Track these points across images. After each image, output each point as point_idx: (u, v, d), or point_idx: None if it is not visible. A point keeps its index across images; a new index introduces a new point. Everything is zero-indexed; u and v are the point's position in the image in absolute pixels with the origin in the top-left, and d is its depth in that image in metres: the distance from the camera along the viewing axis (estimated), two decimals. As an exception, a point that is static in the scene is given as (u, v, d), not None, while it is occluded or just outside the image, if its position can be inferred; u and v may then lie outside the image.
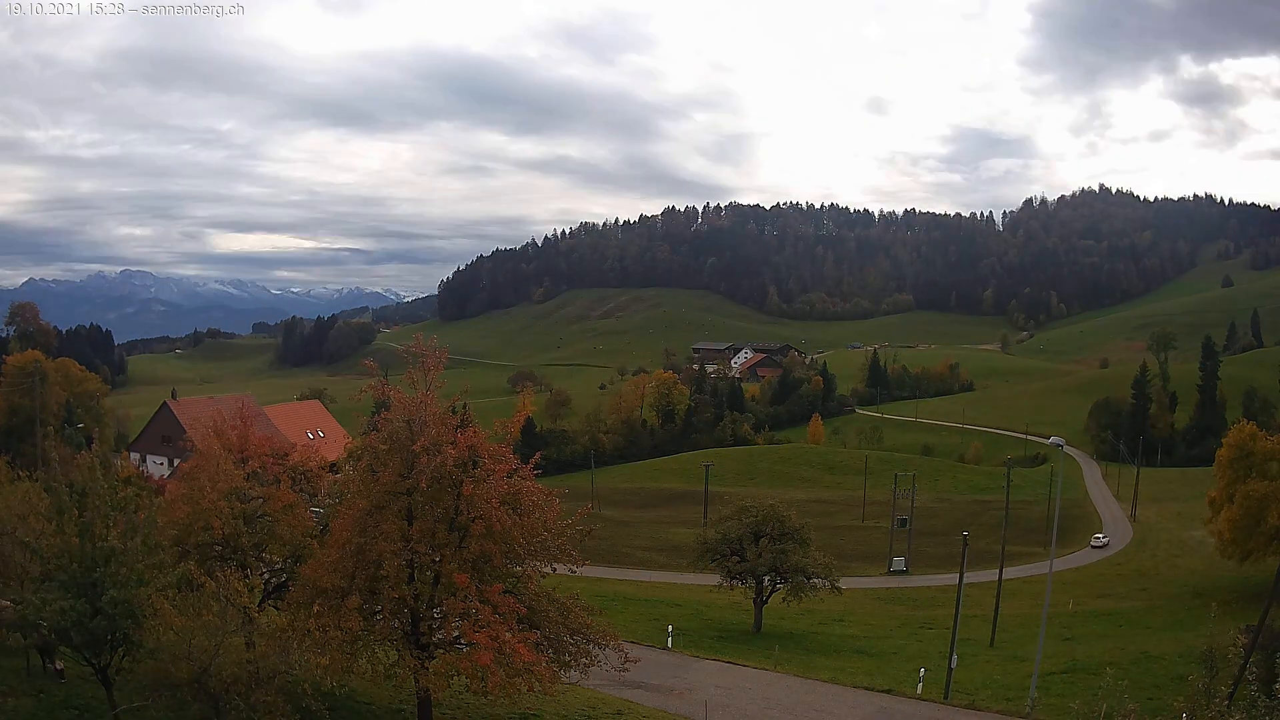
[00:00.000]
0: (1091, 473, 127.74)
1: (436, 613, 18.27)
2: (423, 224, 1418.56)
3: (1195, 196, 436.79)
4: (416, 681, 17.60)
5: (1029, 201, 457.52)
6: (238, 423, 23.91)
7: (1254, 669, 17.74)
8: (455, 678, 17.98)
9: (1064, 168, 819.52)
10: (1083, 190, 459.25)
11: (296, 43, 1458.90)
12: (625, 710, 24.63)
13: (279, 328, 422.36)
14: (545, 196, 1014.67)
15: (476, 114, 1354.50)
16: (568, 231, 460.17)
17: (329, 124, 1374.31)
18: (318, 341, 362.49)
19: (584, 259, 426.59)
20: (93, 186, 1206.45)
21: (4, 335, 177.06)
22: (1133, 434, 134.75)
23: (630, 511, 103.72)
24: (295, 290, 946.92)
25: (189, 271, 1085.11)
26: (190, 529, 20.40)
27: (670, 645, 35.95)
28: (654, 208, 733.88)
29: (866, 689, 29.70)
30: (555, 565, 19.61)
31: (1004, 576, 48.06)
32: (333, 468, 28.90)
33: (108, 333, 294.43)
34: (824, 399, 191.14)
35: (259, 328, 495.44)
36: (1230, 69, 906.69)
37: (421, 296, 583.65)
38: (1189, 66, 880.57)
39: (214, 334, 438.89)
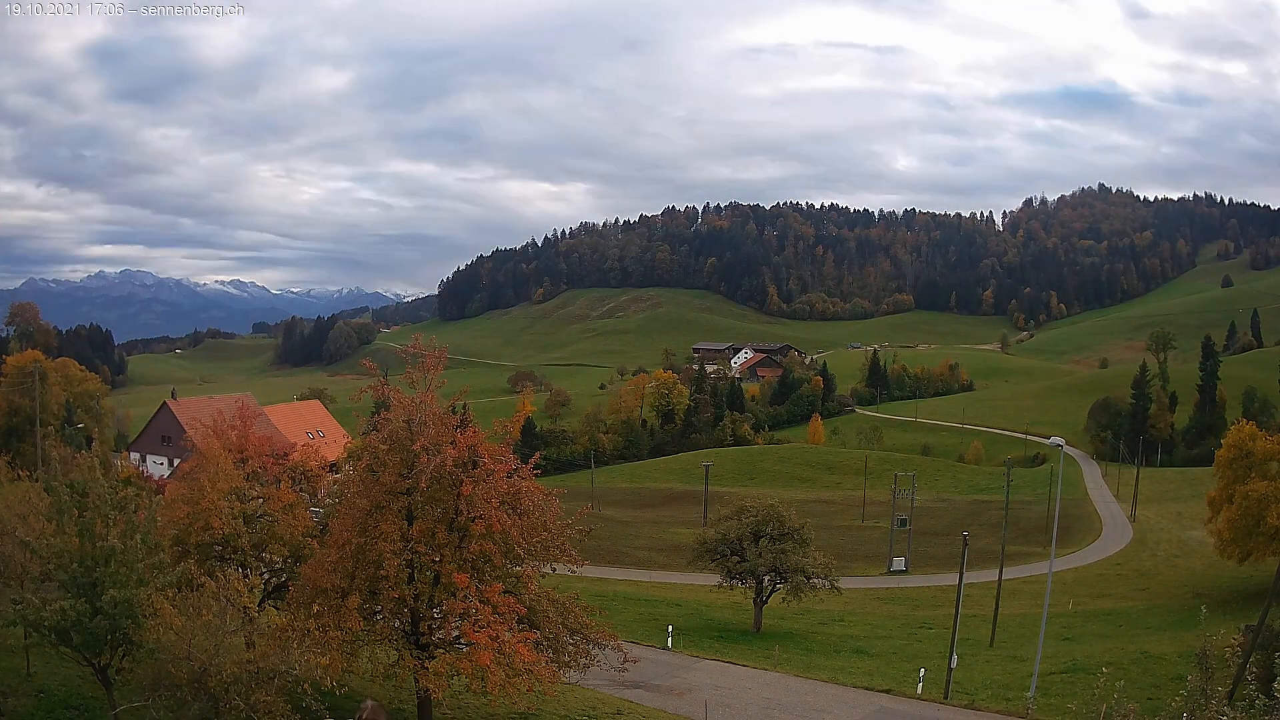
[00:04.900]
0: (1091, 473, 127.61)
1: (436, 613, 18.30)
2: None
3: (1195, 196, 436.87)
4: (416, 681, 17.62)
5: (1029, 201, 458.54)
6: (238, 423, 23.91)
7: (1253, 669, 17.77)
8: (455, 678, 18.02)
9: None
10: (1082, 189, 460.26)
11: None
12: (625, 710, 24.64)
13: (279, 328, 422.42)
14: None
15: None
16: (568, 231, 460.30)
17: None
18: (317, 341, 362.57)
19: (584, 259, 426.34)
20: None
21: (4, 335, 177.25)
22: (1132, 434, 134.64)
23: (630, 511, 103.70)
24: (295, 290, 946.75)
25: (189, 272, 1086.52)
26: (190, 529, 20.42)
27: (670, 645, 35.96)
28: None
29: (866, 689, 29.73)
30: (555, 565, 19.66)
31: (1004, 576, 48.05)
32: (333, 468, 28.90)
33: (108, 333, 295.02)
34: (824, 399, 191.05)
35: (259, 328, 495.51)
36: None
37: (421, 296, 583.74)
38: None
39: (214, 334, 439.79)
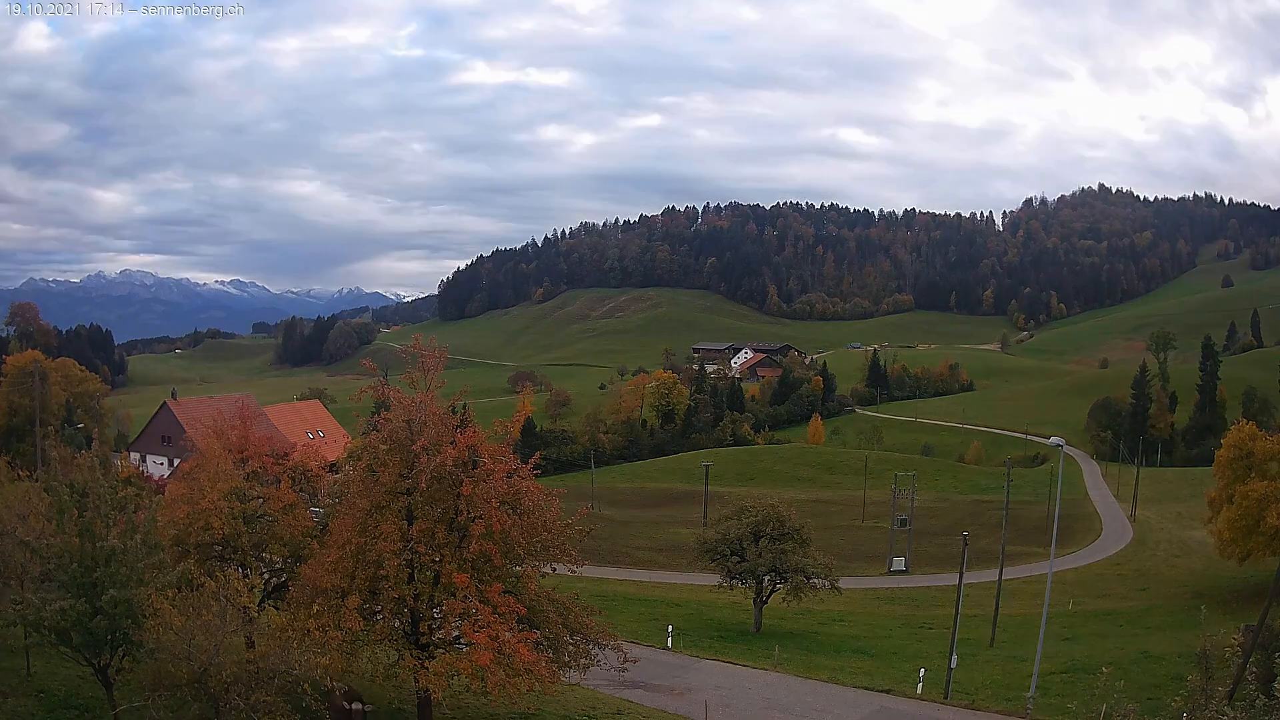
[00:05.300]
0: (1091, 473, 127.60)
1: (436, 613, 18.30)
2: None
3: (1195, 196, 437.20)
4: (416, 681, 17.62)
5: (1029, 201, 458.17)
6: (238, 423, 23.91)
7: (1253, 669, 17.77)
8: (455, 678, 18.01)
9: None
10: (1083, 190, 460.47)
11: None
12: (625, 710, 24.66)
13: (279, 328, 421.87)
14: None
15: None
16: (568, 231, 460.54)
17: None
18: (317, 341, 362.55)
19: (584, 259, 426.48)
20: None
21: (4, 335, 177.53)
22: (1132, 434, 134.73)
23: (630, 511, 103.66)
24: (295, 290, 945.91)
25: (189, 271, 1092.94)
26: (190, 529, 20.42)
27: (670, 645, 35.96)
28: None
29: (866, 689, 29.75)
30: (555, 565, 19.66)
31: (1004, 577, 48.04)
32: (333, 468, 28.91)
33: (108, 333, 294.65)
34: (824, 399, 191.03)
35: (259, 328, 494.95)
36: None
37: (421, 296, 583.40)
38: None
39: (214, 334, 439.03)
